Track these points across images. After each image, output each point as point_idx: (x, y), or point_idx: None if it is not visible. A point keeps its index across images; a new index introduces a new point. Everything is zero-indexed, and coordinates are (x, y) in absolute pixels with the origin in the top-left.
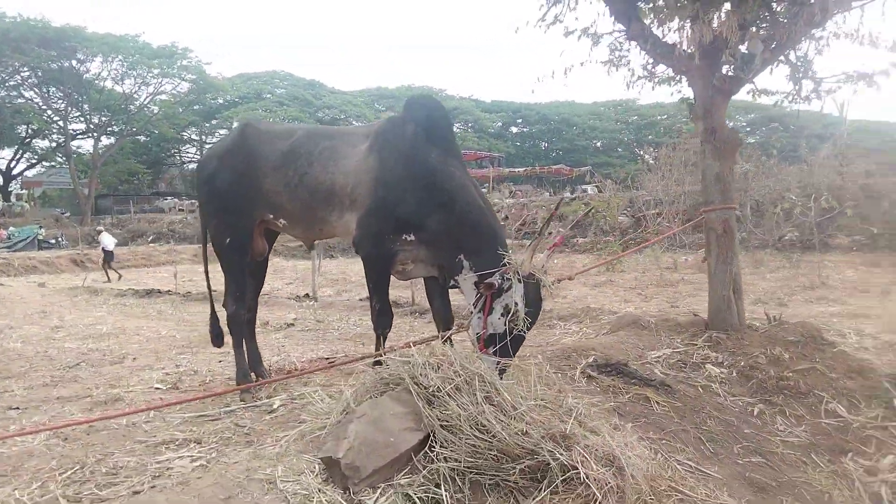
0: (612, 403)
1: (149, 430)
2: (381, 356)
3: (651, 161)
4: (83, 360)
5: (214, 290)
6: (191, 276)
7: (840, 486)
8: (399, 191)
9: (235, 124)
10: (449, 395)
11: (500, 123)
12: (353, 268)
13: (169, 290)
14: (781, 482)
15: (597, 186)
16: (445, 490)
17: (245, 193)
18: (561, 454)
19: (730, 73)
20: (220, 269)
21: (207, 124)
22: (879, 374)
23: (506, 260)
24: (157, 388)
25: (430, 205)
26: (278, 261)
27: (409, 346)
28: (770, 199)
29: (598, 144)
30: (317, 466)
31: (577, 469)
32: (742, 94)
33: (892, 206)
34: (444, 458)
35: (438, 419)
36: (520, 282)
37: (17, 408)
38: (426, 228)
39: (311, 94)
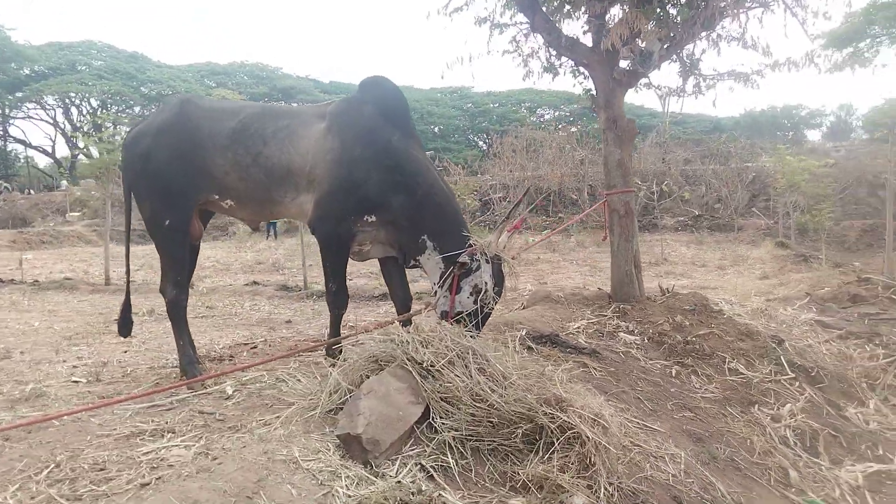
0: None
1: (103, 425)
2: (347, 338)
3: (484, 147)
4: None
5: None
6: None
7: (756, 433)
8: (361, 172)
9: (168, 103)
10: (442, 369)
11: None
12: (240, 255)
13: (12, 280)
14: (711, 432)
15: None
16: (451, 457)
17: (187, 173)
18: (557, 416)
19: (628, 68)
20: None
21: (11, 97)
22: (764, 336)
23: (471, 241)
24: (77, 382)
25: (392, 186)
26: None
27: (369, 331)
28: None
29: (437, 129)
30: (330, 444)
31: (575, 429)
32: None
33: (708, 190)
34: (447, 428)
35: (438, 392)
36: (488, 262)
37: None
38: (388, 209)
39: (134, 68)
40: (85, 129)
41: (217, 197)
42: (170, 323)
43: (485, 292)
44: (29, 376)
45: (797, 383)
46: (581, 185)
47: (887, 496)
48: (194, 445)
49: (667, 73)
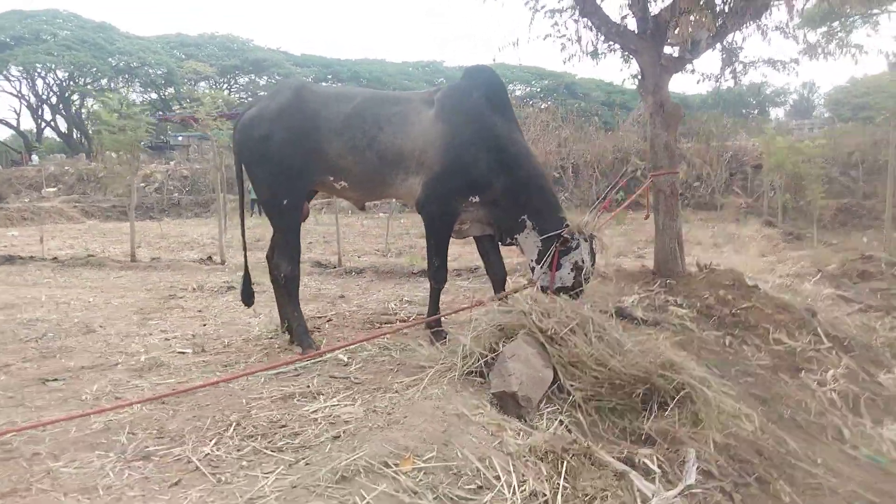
0: (662, 338)
1: (247, 390)
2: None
3: None
4: (47, 333)
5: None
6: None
7: (807, 396)
8: (468, 155)
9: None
10: (566, 336)
11: (311, 78)
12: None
13: (32, 257)
14: (772, 395)
15: None
16: (581, 415)
17: (304, 155)
18: (672, 378)
19: (674, 54)
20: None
21: None
22: (799, 309)
23: (567, 222)
24: (184, 353)
25: (496, 168)
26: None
27: (464, 309)
28: (585, 162)
29: None
30: (486, 402)
31: (687, 389)
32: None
33: (689, 168)
34: (576, 389)
35: (565, 357)
36: (585, 241)
37: (57, 379)
38: (491, 190)
39: (102, 38)
40: (53, 101)
41: (332, 178)
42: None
43: (584, 269)
44: (131, 348)
45: (834, 352)
46: (565, 164)
47: None
48: (355, 404)
49: (707, 60)
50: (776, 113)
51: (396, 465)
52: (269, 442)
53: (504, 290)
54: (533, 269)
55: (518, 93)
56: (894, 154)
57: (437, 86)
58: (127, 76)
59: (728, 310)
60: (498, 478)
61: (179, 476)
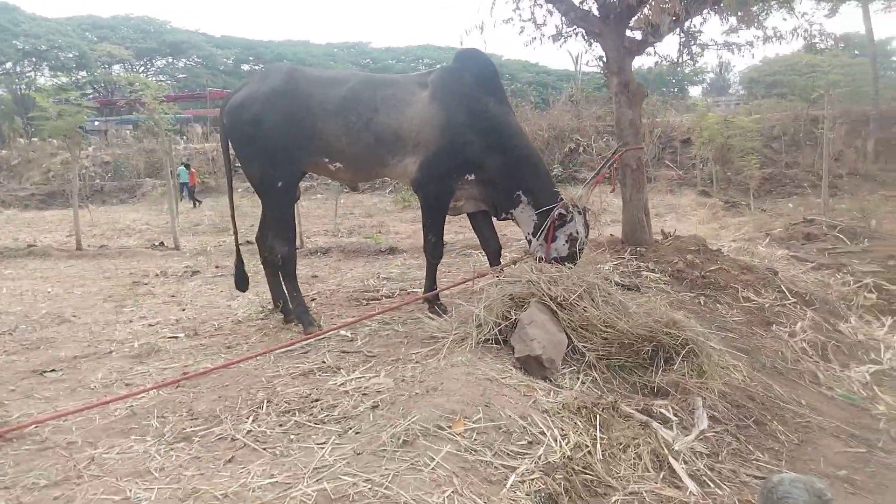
0: (659, 300)
1: (262, 368)
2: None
3: None
4: (18, 325)
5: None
6: None
7: (782, 346)
8: (463, 136)
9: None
10: (575, 302)
11: (231, 60)
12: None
13: None
14: (751, 347)
15: None
16: (596, 373)
17: (299, 137)
18: (676, 335)
19: (636, 38)
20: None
21: None
22: (761, 269)
23: (561, 196)
24: (177, 338)
25: (490, 148)
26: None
27: (467, 281)
28: None
29: None
30: (510, 366)
31: (691, 345)
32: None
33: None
34: (588, 350)
35: (575, 321)
36: (579, 213)
37: (54, 370)
38: (486, 169)
39: (7, 20)
40: None
41: (326, 160)
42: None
43: (578, 239)
44: (117, 336)
45: (798, 307)
46: None
47: (888, 388)
48: (380, 375)
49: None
50: (694, 91)
51: (449, 427)
52: (310, 415)
53: (499, 261)
54: (530, 242)
55: None
56: (828, 128)
57: (429, 68)
58: (35, 59)
59: (698, 272)
60: (543, 433)
61: (231, 453)
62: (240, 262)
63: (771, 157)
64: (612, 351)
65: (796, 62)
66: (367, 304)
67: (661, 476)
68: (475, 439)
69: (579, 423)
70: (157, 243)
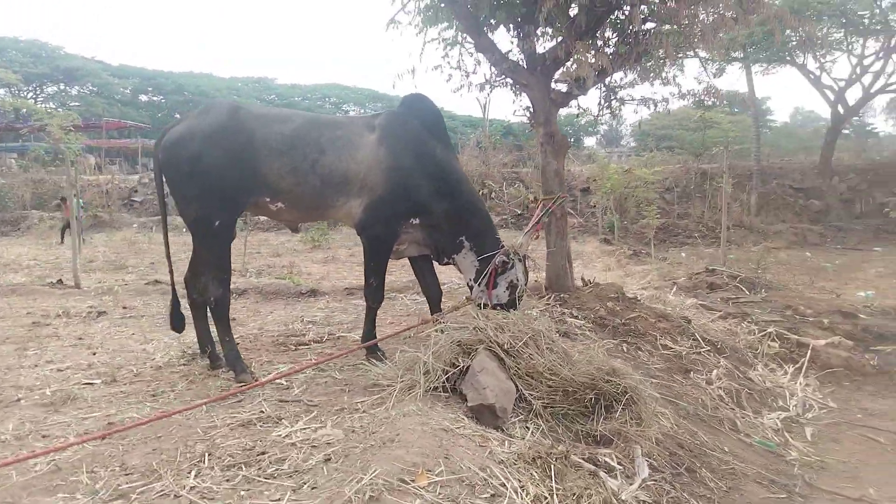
0: (597, 347)
1: (197, 419)
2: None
3: None
4: None
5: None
6: None
7: (701, 393)
8: (411, 180)
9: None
10: (521, 349)
11: (129, 90)
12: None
13: None
14: (674, 394)
15: None
16: (542, 421)
17: (241, 176)
18: (617, 383)
19: (562, 90)
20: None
21: None
22: (676, 317)
23: (502, 243)
24: (93, 384)
25: (437, 193)
26: None
27: (406, 330)
28: None
29: None
30: (461, 415)
31: (630, 393)
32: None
33: (526, 191)
34: (535, 398)
35: (522, 369)
36: (520, 261)
37: None
38: (431, 213)
39: None
40: None
41: (268, 199)
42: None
43: (518, 287)
44: (23, 381)
45: (712, 354)
46: None
47: (797, 434)
48: (327, 426)
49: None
50: (589, 141)
51: (412, 481)
52: (258, 469)
53: (439, 308)
54: (471, 288)
55: (352, 113)
56: (726, 182)
57: (376, 111)
58: None
59: (619, 320)
60: (504, 485)
61: None
62: (176, 302)
63: (664, 207)
64: (556, 399)
65: (684, 117)
66: (295, 350)
67: None
68: (440, 493)
69: (535, 474)
70: (54, 280)
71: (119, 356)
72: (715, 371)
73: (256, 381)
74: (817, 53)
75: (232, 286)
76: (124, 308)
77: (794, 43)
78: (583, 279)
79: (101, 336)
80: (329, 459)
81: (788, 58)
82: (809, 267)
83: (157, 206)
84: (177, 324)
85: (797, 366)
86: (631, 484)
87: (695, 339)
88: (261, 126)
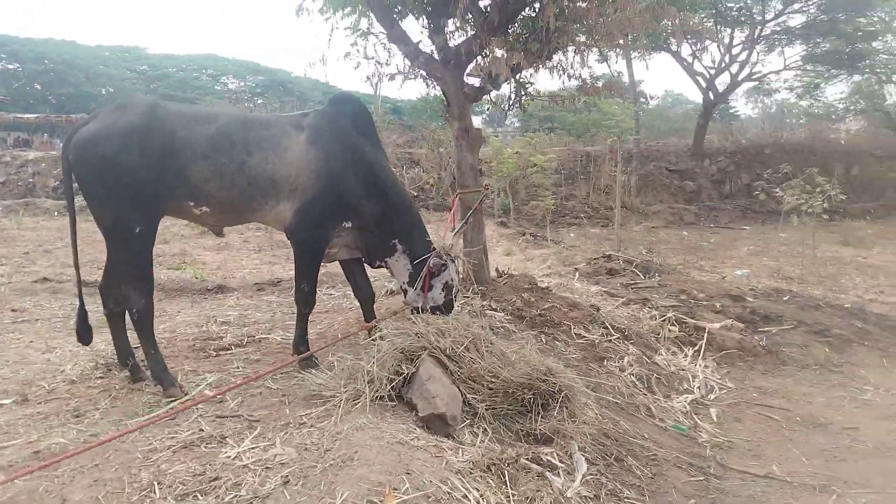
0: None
1: (134, 443)
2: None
3: None
4: None
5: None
6: None
7: (616, 382)
8: (342, 182)
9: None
10: (462, 354)
11: None
12: None
13: None
14: (593, 384)
15: None
16: (486, 424)
17: (161, 180)
18: (552, 382)
19: (475, 85)
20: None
21: None
22: (585, 306)
23: (433, 245)
24: (1, 405)
25: (368, 194)
26: None
27: (346, 338)
28: None
29: (104, 92)
30: (412, 425)
31: (564, 391)
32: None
33: (422, 173)
34: (478, 401)
35: (464, 373)
36: (452, 262)
37: None
38: (363, 216)
39: None
40: None
41: (192, 203)
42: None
43: (453, 288)
44: None
45: (621, 341)
46: None
47: (704, 416)
48: (277, 444)
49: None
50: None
51: (381, 501)
52: (215, 497)
53: (372, 309)
54: (405, 292)
55: (231, 86)
56: (620, 169)
57: (304, 109)
58: None
59: (535, 311)
60: (466, 497)
61: None
62: (83, 313)
63: (551, 189)
64: (497, 400)
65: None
66: (217, 356)
67: None
68: None
69: (491, 482)
70: None
71: (22, 369)
72: (626, 358)
73: (186, 394)
74: (691, 42)
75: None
76: (13, 311)
77: (669, 31)
78: (497, 270)
79: None
80: (288, 482)
81: (665, 45)
82: (688, 245)
83: (21, 189)
84: (84, 336)
85: (696, 348)
86: (573, 481)
87: (605, 326)
88: (182, 125)
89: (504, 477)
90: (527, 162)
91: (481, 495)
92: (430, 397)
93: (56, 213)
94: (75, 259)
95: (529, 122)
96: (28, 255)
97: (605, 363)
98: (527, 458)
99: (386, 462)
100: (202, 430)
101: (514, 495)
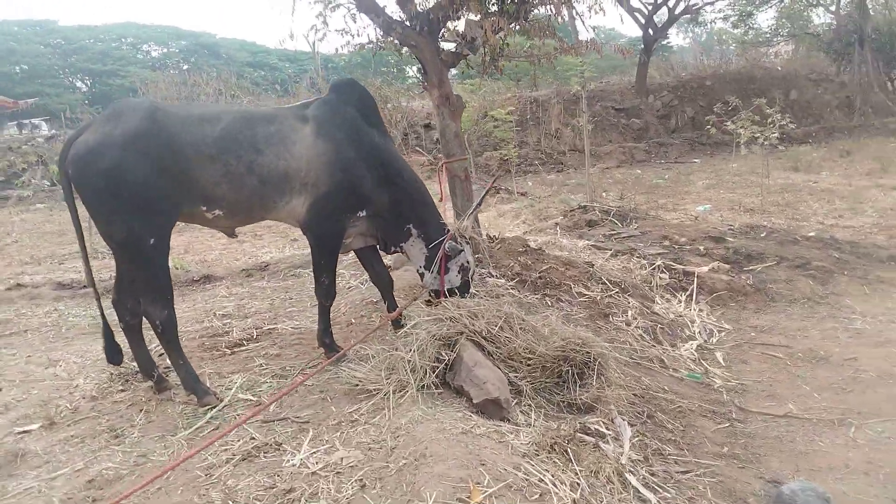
0: (555, 318)
1: (188, 461)
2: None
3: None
4: None
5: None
6: None
7: (626, 337)
8: (355, 172)
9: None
10: (498, 334)
11: None
12: None
13: None
14: (606, 340)
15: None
16: (530, 401)
17: (170, 187)
18: (587, 352)
19: (451, 50)
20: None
21: None
22: (580, 263)
23: (447, 227)
24: (29, 432)
25: (381, 182)
26: None
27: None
28: None
29: (18, 70)
30: (467, 411)
31: (598, 359)
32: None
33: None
34: (519, 379)
35: (502, 353)
36: (468, 243)
37: None
38: (376, 204)
39: None
40: None
41: (204, 208)
42: (162, 345)
43: (469, 269)
44: None
45: (621, 295)
46: None
47: (712, 361)
48: (339, 445)
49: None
50: (412, 70)
51: (468, 498)
52: None
53: (393, 296)
54: (422, 276)
55: (154, 54)
56: (586, 118)
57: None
58: None
59: (534, 273)
60: (542, 481)
61: None
62: (108, 331)
63: (503, 138)
64: (536, 376)
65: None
66: (232, 353)
67: (632, 494)
68: None
69: (558, 461)
70: None
71: (33, 389)
72: (630, 312)
73: (220, 400)
74: None
75: (104, 277)
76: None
77: None
78: (488, 235)
79: None
80: (364, 486)
81: None
82: (644, 184)
83: None
84: (114, 357)
85: (688, 293)
86: (621, 447)
87: (602, 282)
88: (186, 129)
89: (568, 454)
90: (479, 113)
91: (554, 476)
92: (481, 383)
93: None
94: (89, 275)
95: (467, 70)
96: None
97: (611, 319)
98: (580, 431)
99: (459, 455)
100: (253, 438)
101: (580, 471)
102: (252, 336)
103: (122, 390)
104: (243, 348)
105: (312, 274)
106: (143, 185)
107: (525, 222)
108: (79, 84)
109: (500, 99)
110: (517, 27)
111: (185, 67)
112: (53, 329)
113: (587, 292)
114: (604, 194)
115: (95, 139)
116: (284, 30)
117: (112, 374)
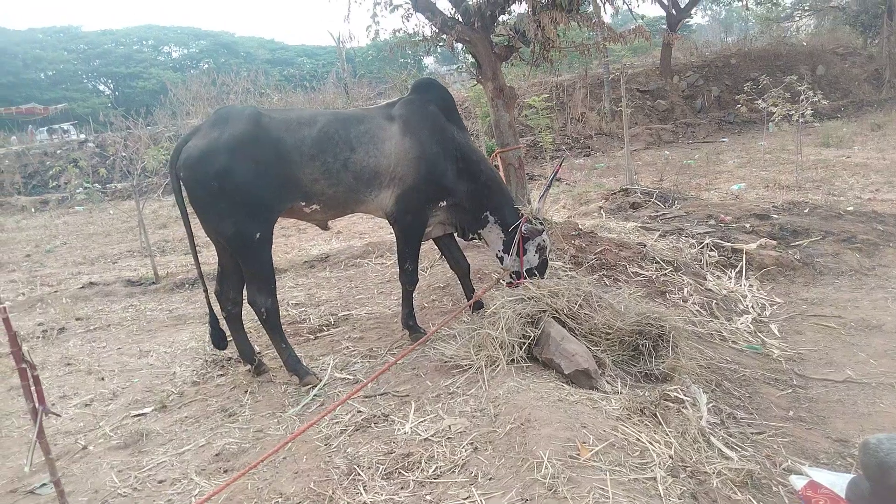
0: (629, 293)
1: (306, 435)
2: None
3: (108, 92)
4: None
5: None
6: None
7: (684, 312)
8: (438, 166)
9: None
10: (578, 311)
11: None
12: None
13: None
14: (668, 310)
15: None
16: (611, 372)
17: (274, 185)
18: (661, 326)
19: (504, 44)
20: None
21: None
22: (633, 244)
23: (522, 212)
24: (144, 415)
25: (461, 174)
26: None
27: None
28: None
29: (44, 76)
30: (559, 382)
31: (672, 332)
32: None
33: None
34: (601, 352)
35: (585, 328)
36: (541, 224)
37: (44, 484)
38: (457, 194)
39: None
40: None
41: (303, 203)
42: (266, 331)
43: (546, 248)
44: (62, 425)
45: (675, 274)
46: None
47: (767, 333)
48: (444, 414)
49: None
50: (428, 60)
51: (578, 455)
52: (421, 472)
53: (470, 282)
54: (501, 259)
55: (175, 55)
56: (625, 101)
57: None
58: None
59: (590, 255)
60: (639, 440)
61: None
62: (214, 319)
63: (528, 125)
64: (614, 349)
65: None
66: (316, 338)
67: (716, 452)
68: (606, 461)
69: (648, 424)
70: None
71: (133, 377)
72: (685, 289)
73: (320, 380)
74: None
75: (183, 276)
76: (78, 320)
77: None
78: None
79: (86, 357)
80: (476, 448)
81: None
82: (674, 165)
83: None
84: (217, 341)
85: (737, 270)
86: (699, 411)
87: (656, 262)
88: (287, 131)
89: (657, 417)
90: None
91: (648, 437)
92: (571, 355)
93: (34, 210)
94: (199, 268)
95: None
96: (30, 257)
97: (668, 296)
98: (658, 396)
99: (561, 420)
100: (360, 412)
101: (670, 432)
102: (330, 322)
103: (221, 374)
104: (325, 333)
105: (397, 261)
106: (250, 185)
107: (566, 207)
108: (102, 88)
109: (523, 86)
110: (570, 21)
111: (206, 67)
112: (134, 323)
113: (642, 272)
114: (634, 176)
115: (205, 145)
116: (309, 28)
117: (205, 360)
